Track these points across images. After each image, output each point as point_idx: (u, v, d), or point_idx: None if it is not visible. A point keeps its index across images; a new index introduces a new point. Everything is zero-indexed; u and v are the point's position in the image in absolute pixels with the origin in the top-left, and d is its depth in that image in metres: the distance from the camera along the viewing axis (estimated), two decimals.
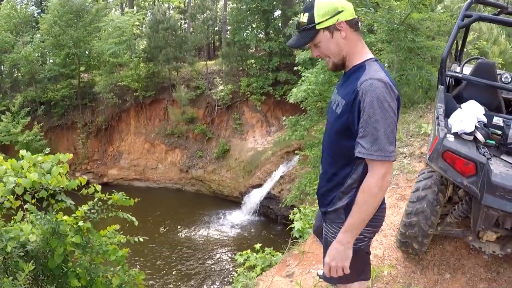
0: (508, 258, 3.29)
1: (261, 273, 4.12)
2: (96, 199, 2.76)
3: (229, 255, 11.49)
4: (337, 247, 1.69)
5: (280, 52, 15.10)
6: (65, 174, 2.57)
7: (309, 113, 10.11)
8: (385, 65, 8.50)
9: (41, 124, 15.32)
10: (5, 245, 2.21)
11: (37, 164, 2.50)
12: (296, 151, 13.13)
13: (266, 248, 4.74)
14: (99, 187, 2.71)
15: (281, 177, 14.17)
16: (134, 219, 2.85)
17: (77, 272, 2.63)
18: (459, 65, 4.57)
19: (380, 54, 8.41)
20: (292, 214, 5.58)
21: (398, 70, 8.04)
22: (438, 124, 2.67)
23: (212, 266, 10.88)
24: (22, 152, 2.51)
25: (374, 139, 1.53)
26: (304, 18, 1.66)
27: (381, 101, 1.52)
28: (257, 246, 4.76)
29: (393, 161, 1.60)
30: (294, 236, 4.62)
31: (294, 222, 4.83)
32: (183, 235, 12.52)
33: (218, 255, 11.49)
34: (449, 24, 7.71)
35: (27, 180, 2.33)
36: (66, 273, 2.60)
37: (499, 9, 3.30)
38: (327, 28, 1.62)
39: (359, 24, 1.71)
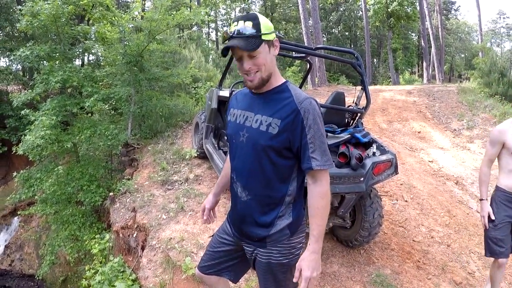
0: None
1: None
2: None
3: None
4: (314, 257, 1.69)
5: None
6: None
7: (40, 163, 8.46)
8: (123, 99, 8.10)
9: None
10: None
11: None
12: (18, 212, 10.97)
13: None
14: None
15: (7, 247, 11.54)
16: None
17: None
18: (221, 89, 5.33)
19: (113, 87, 7.83)
20: (84, 279, 4.93)
21: (136, 103, 7.93)
22: None
23: None
24: None
25: (323, 151, 1.69)
26: (247, 25, 1.63)
27: (320, 117, 1.70)
28: None
29: None
30: None
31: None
32: None
33: None
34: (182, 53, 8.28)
35: None
36: None
37: None
38: (267, 41, 1.67)
39: None
